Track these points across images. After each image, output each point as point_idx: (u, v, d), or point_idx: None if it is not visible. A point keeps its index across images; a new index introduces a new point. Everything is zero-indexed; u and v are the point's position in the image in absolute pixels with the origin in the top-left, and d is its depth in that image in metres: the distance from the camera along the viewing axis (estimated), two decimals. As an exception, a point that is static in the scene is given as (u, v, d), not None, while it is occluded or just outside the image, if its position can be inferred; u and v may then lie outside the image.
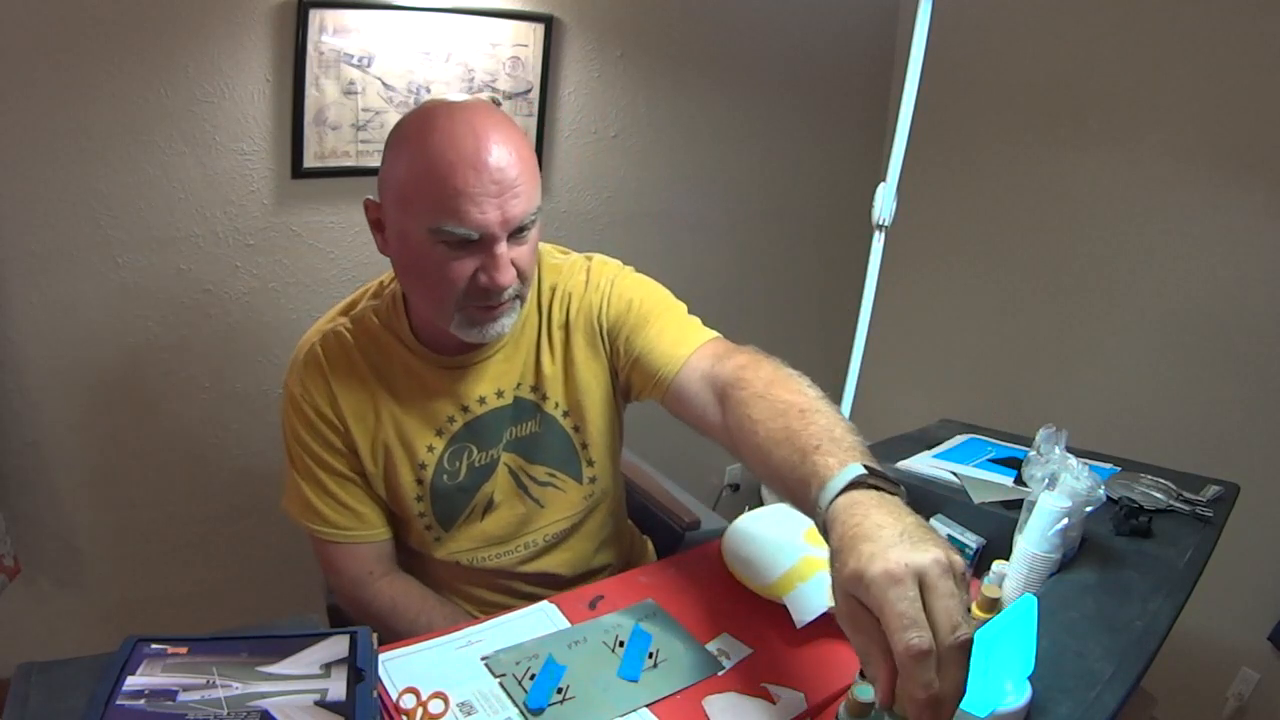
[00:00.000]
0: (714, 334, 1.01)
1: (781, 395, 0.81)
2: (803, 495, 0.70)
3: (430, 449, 1.00)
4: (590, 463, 1.07)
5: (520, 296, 0.93)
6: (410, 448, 0.99)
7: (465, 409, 1.00)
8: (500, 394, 1.01)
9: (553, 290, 1.03)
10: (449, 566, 1.07)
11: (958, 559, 0.57)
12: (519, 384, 1.02)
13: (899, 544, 0.57)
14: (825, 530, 0.66)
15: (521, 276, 0.90)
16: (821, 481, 0.67)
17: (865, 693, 0.64)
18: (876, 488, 0.65)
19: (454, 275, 0.87)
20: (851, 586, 0.58)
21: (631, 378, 1.02)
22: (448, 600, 1.07)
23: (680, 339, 0.98)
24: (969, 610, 0.56)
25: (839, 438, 0.72)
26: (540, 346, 1.03)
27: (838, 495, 0.65)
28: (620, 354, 1.02)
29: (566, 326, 1.02)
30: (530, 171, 0.87)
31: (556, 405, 1.04)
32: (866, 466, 0.67)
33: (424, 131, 0.84)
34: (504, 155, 0.84)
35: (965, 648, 0.53)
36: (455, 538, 1.05)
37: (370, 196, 0.92)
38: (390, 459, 0.99)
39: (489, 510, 1.05)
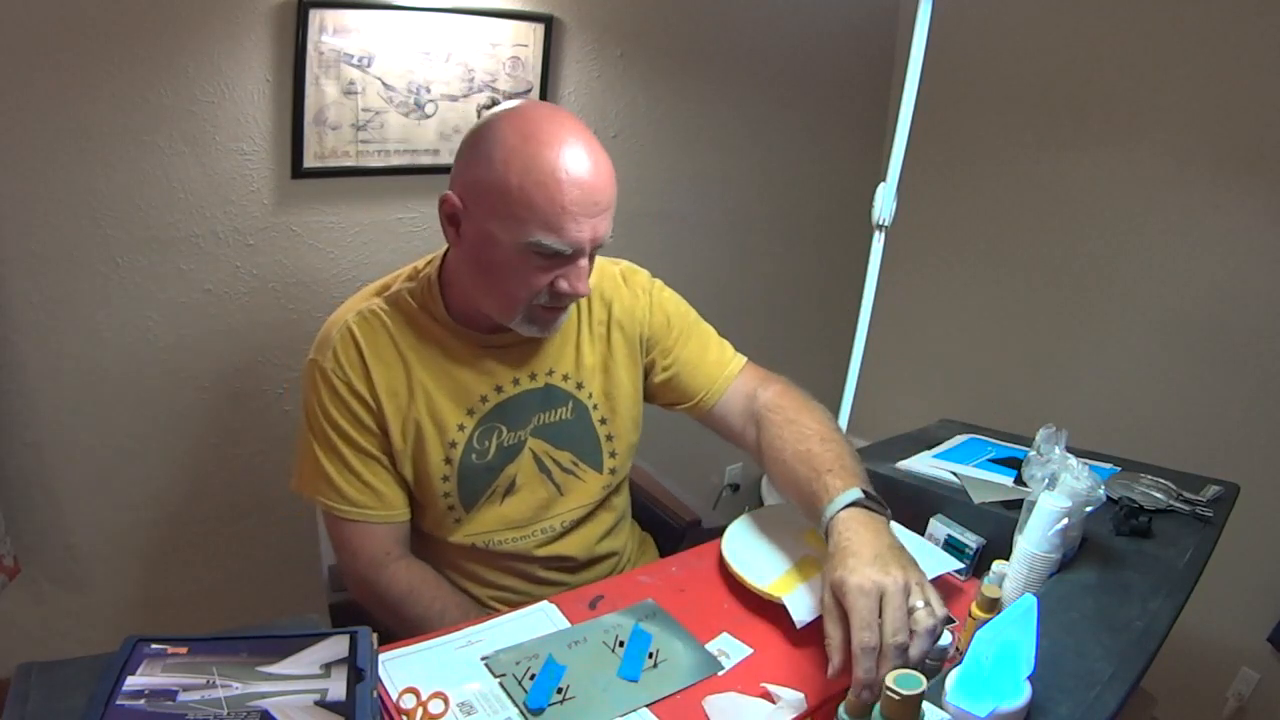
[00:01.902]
0: (743, 358, 1.15)
1: (808, 423, 1.00)
2: (813, 506, 0.90)
3: (461, 428, 1.01)
4: (613, 454, 1.11)
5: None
6: (442, 426, 1.01)
7: (499, 389, 1.02)
8: (533, 376, 1.04)
9: None
10: (464, 549, 1.07)
11: (914, 578, 0.76)
12: (551, 370, 1.05)
13: (873, 564, 0.76)
14: (827, 536, 0.85)
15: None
16: (829, 497, 0.87)
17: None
18: (869, 509, 0.85)
19: (535, 283, 0.91)
20: (835, 589, 0.76)
21: (663, 391, 1.12)
22: (459, 591, 1.08)
23: (718, 361, 1.12)
24: (937, 614, 0.74)
25: (848, 465, 0.92)
26: (581, 338, 1.07)
27: (839, 511, 0.85)
28: (656, 365, 1.11)
29: (609, 324, 1.08)
30: (614, 187, 0.91)
31: (590, 396, 1.08)
32: (864, 491, 0.87)
33: (534, 142, 0.86)
34: (603, 174, 0.89)
35: (901, 648, 0.71)
36: (474, 519, 1.06)
37: (448, 193, 0.92)
38: (420, 437, 1.00)
39: (510, 492, 1.06)
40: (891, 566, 0.75)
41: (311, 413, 1.01)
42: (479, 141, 0.90)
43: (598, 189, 0.87)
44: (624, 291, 1.10)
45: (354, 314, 1.00)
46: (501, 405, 1.03)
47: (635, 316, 1.09)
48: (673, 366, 1.11)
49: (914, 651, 0.72)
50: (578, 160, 0.86)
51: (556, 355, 1.06)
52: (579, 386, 1.07)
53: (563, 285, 0.91)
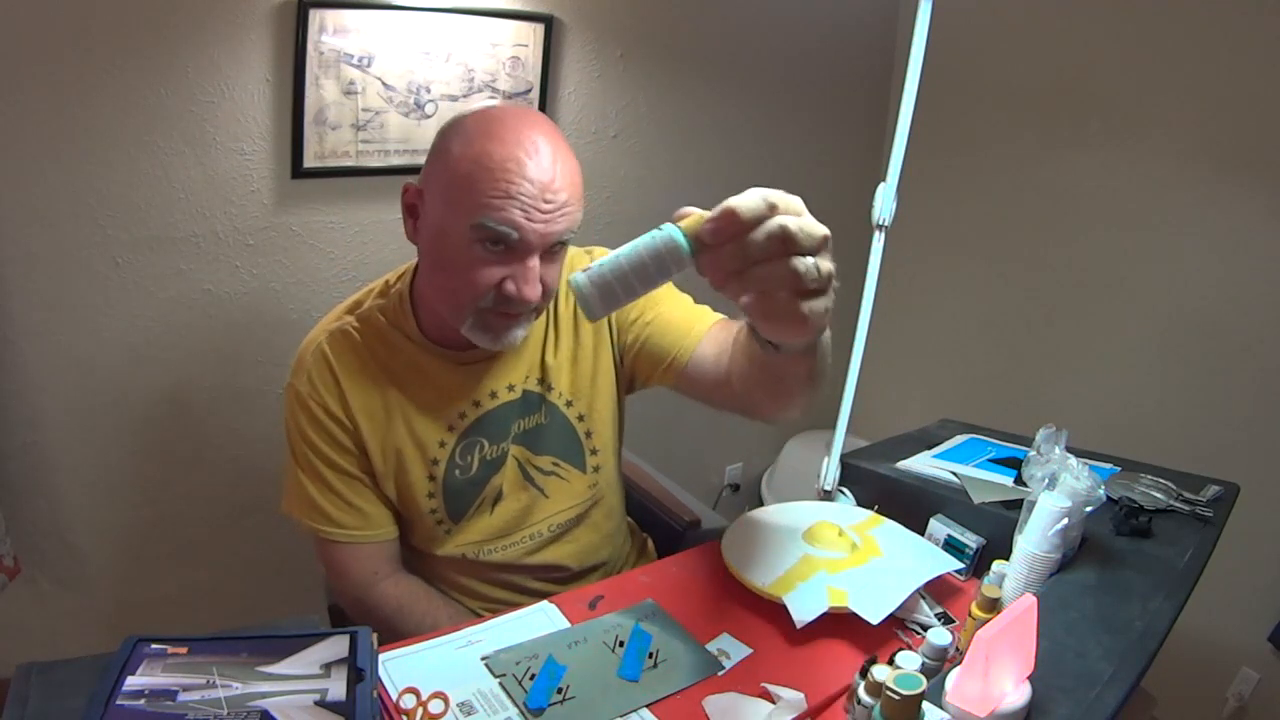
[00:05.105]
0: (721, 315, 1.06)
1: None
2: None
3: (442, 445, 1.00)
4: (594, 451, 1.09)
5: (539, 310, 0.94)
6: (422, 445, 1.00)
7: (477, 404, 1.01)
8: (511, 388, 1.03)
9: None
10: (454, 562, 1.07)
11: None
12: (527, 377, 1.04)
13: None
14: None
15: (546, 293, 0.91)
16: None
17: (885, 673, 0.65)
18: None
19: (482, 278, 0.87)
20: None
21: (640, 364, 1.06)
22: (452, 600, 1.08)
23: (686, 319, 1.03)
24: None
25: None
26: (546, 339, 1.04)
27: None
28: (629, 342, 1.06)
29: (575, 316, 1.05)
30: (579, 196, 0.90)
31: (560, 395, 1.06)
32: None
33: (492, 131, 0.85)
34: (561, 175, 0.86)
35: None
36: (463, 530, 1.05)
37: (411, 181, 0.92)
38: (401, 458, 1.00)
39: (497, 502, 1.06)
40: None
41: (292, 437, 1.00)
42: (445, 134, 0.89)
43: (550, 187, 0.85)
44: None
45: (326, 334, 0.99)
46: (480, 420, 1.01)
47: None
48: (644, 333, 1.05)
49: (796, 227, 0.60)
50: (533, 155, 0.84)
51: (531, 362, 1.04)
52: (549, 388, 1.05)
53: (509, 287, 0.87)
